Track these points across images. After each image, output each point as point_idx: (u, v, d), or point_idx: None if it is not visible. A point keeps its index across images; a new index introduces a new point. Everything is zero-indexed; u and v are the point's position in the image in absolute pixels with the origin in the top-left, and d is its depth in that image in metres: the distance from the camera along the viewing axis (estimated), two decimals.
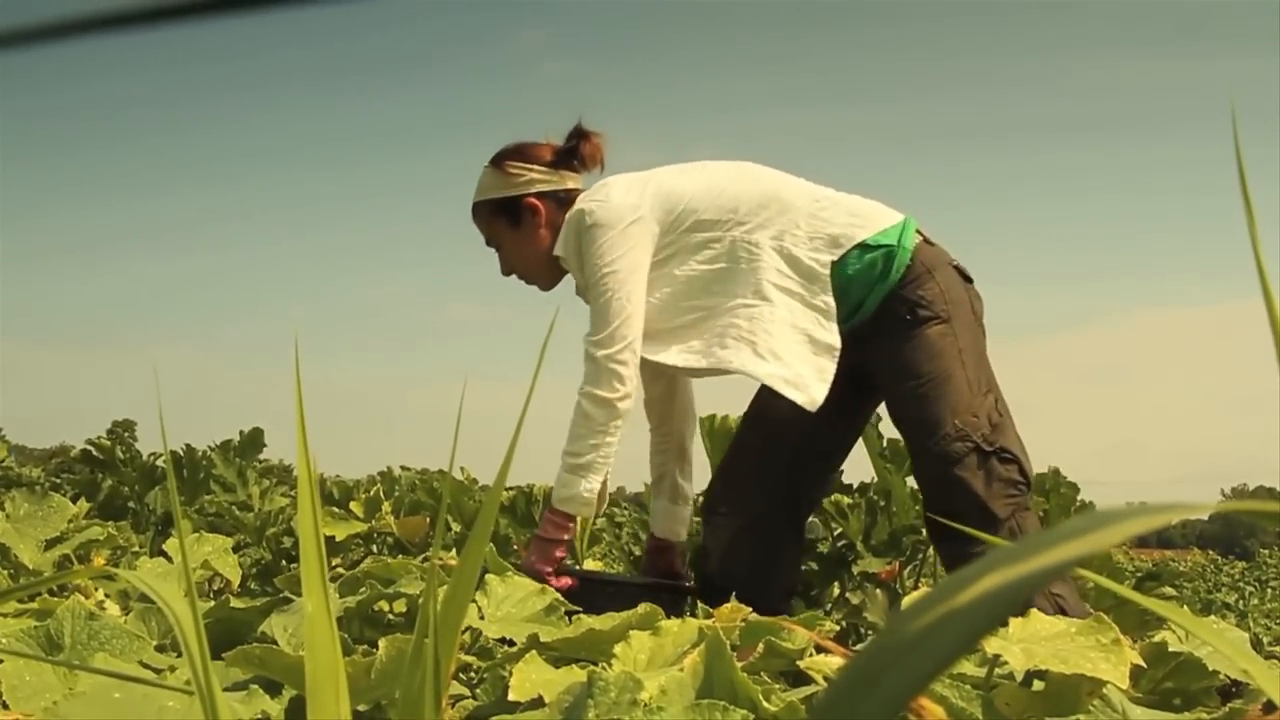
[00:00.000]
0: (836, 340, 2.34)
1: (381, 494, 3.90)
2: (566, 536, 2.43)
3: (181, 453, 4.89)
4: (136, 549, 3.49)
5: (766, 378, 2.32)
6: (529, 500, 3.59)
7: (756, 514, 2.52)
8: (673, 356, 2.37)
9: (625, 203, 2.37)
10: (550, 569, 2.40)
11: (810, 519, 2.97)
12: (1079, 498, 3.83)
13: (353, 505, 3.90)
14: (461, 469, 4.75)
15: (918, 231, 2.42)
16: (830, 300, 2.34)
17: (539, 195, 2.50)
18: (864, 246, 2.36)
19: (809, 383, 2.31)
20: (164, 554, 2.43)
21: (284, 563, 3.88)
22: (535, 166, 2.50)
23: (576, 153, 2.53)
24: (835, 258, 2.35)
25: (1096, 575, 0.69)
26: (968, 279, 2.44)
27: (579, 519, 2.48)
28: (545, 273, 2.58)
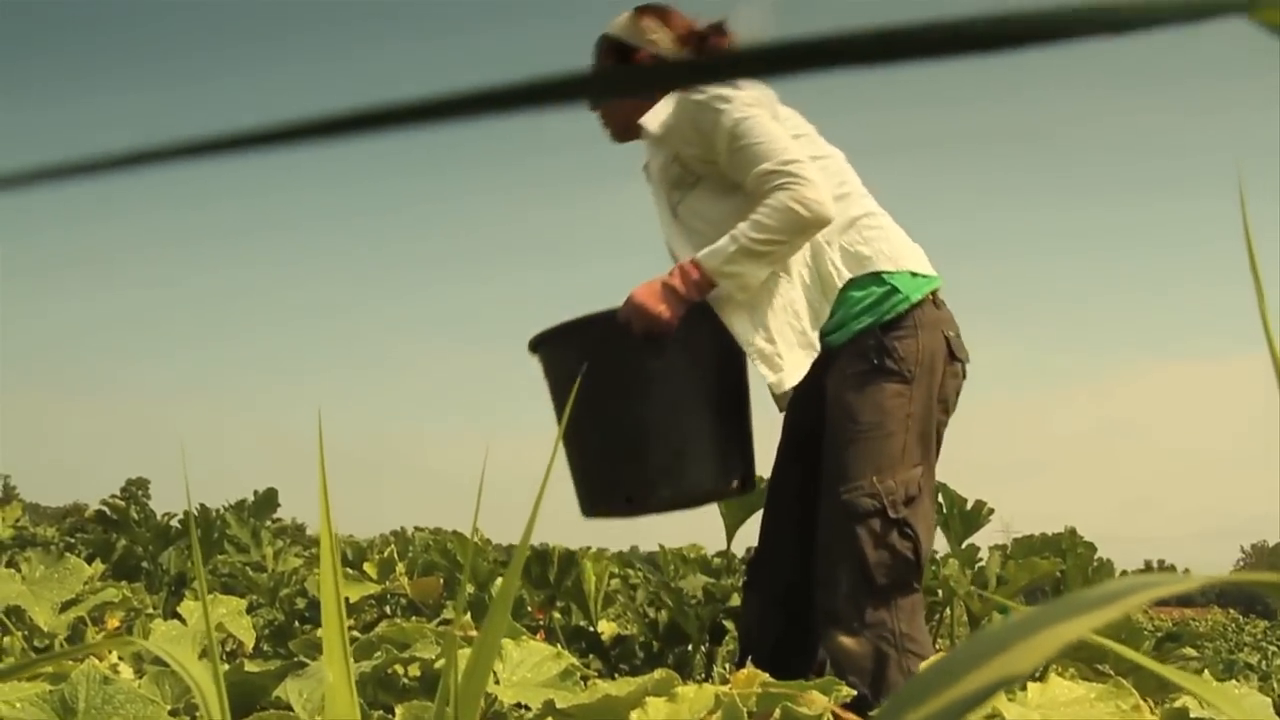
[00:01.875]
0: (818, 346, 2.33)
1: (396, 555, 3.90)
2: (695, 298, 2.30)
3: (196, 512, 4.89)
4: (150, 610, 3.49)
5: (747, 345, 2.30)
6: (544, 562, 3.58)
7: (783, 586, 2.49)
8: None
9: (748, 88, 2.35)
10: (666, 312, 2.28)
11: None
12: (1096, 556, 3.81)
13: (366, 566, 3.90)
14: (476, 530, 4.73)
15: (934, 293, 2.39)
16: (828, 311, 2.33)
17: (654, 57, 2.48)
18: (877, 277, 2.34)
19: (784, 367, 2.30)
20: (178, 616, 2.43)
21: (297, 624, 3.87)
22: (666, 32, 2.51)
23: (707, 42, 2.53)
24: (852, 275, 2.33)
25: (1115, 643, 0.69)
26: (956, 357, 2.37)
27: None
28: (621, 127, 2.58)
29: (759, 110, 2.31)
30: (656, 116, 2.42)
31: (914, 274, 2.36)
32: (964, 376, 2.42)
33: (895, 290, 2.32)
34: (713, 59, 0.20)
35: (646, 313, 2.28)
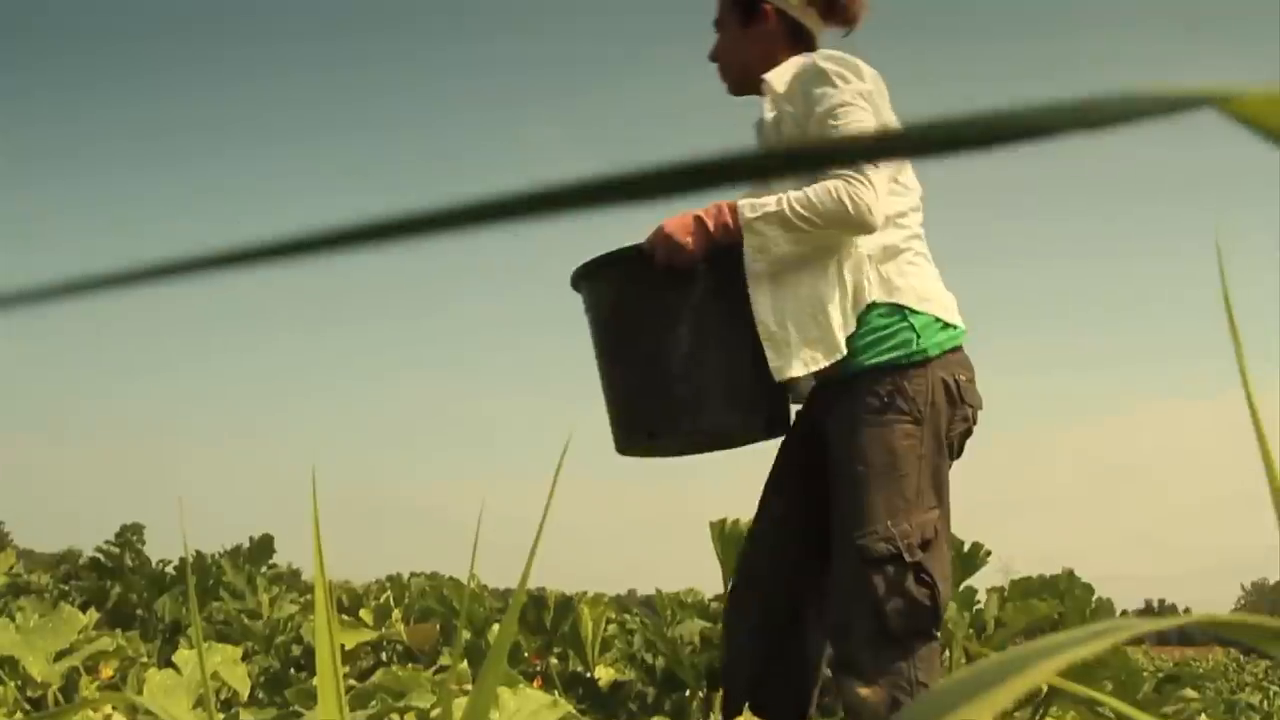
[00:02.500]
0: (842, 349, 2.27)
1: (392, 601, 3.88)
2: (722, 240, 2.26)
3: (191, 559, 4.87)
4: (145, 659, 3.47)
5: (758, 324, 2.27)
6: (541, 608, 3.57)
7: (764, 614, 2.44)
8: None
9: (870, 78, 2.31)
10: (690, 244, 2.25)
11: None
12: (1095, 597, 3.80)
13: (362, 612, 3.88)
14: (473, 575, 4.71)
15: (954, 344, 2.34)
16: (854, 324, 2.29)
17: (778, 11, 2.47)
18: (900, 310, 2.29)
19: (789, 356, 2.26)
20: (172, 664, 2.42)
21: (293, 671, 3.84)
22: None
23: (837, 0, 2.48)
24: (878, 300, 2.30)
25: (1115, 684, 0.70)
26: (965, 401, 2.32)
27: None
28: (740, 80, 2.54)
29: (866, 106, 2.27)
30: (782, 75, 2.39)
31: (938, 320, 2.31)
32: (973, 423, 2.37)
33: (913, 332, 2.28)
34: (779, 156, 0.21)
35: (671, 242, 2.25)
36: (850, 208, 2.18)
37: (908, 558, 2.19)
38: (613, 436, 2.46)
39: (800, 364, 2.27)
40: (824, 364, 2.27)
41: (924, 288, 2.33)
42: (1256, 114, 0.25)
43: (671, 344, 2.31)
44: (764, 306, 2.29)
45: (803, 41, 2.48)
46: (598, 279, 2.42)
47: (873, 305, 2.29)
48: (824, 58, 2.33)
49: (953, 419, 2.30)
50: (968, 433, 2.36)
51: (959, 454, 2.37)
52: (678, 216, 2.32)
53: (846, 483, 2.27)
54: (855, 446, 2.26)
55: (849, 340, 2.29)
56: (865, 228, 2.21)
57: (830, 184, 2.20)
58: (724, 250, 2.27)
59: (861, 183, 2.18)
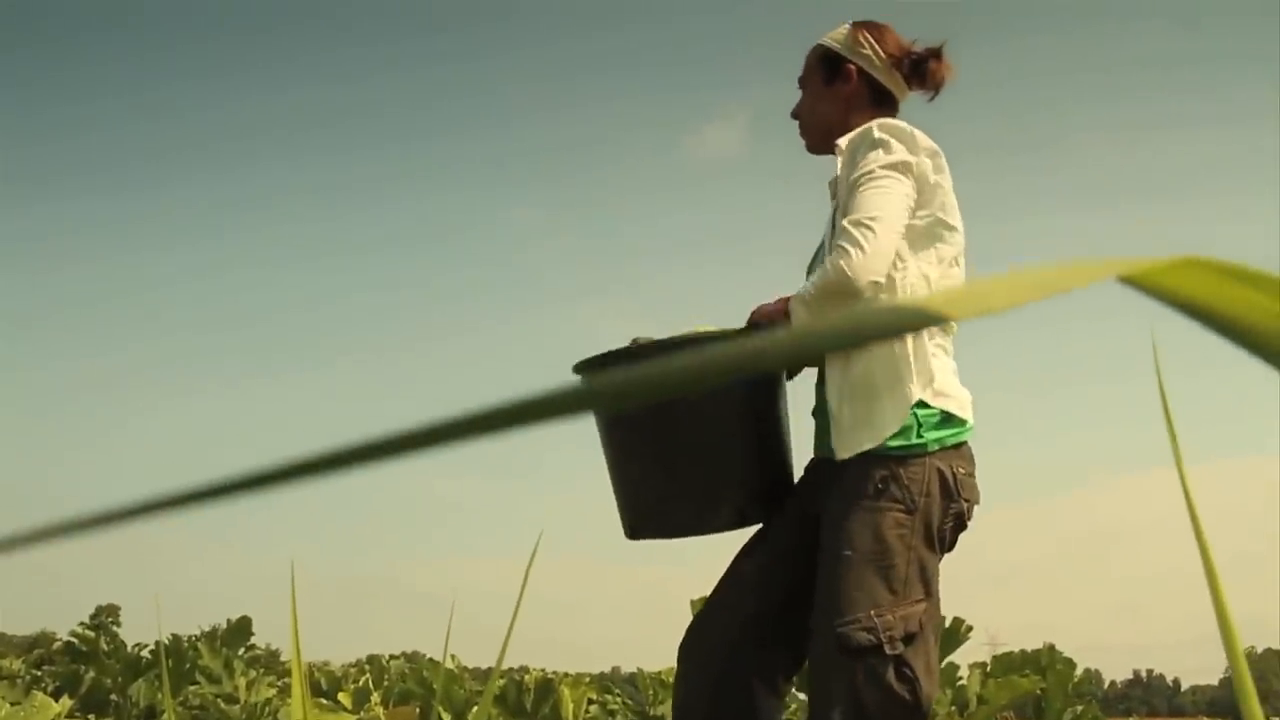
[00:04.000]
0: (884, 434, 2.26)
1: (370, 683, 3.84)
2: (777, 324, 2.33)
3: (167, 642, 4.81)
4: None
5: (827, 403, 2.32)
6: (520, 689, 3.54)
7: (720, 667, 2.34)
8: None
9: (925, 151, 2.32)
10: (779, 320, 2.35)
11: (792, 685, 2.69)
12: (1080, 670, 3.80)
13: (341, 696, 3.84)
14: (452, 656, 4.68)
15: (956, 440, 2.30)
16: (902, 413, 2.27)
17: (861, 71, 2.49)
18: (914, 403, 2.26)
19: (845, 436, 2.28)
20: None
21: None
22: (879, 49, 2.48)
23: (922, 65, 2.49)
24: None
25: None
26: (961, 495, 2.26)
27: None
28: (819, 139, 2.55)
29: (900, 177, 2.28)
30: (850, 137, 2.40)
31: (944, 413, 2.28)
32: (968, 517, 2.31)
33: (915, 422, 2.25)
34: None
35: (771, 323, 2.34)
36: (839, 276, 2.18)
37: (889, 650, 2.12)
38: (627, 523, 2.46)
39: (852, 445, 2.26)
40: (867, 446, 2.24)
41: (942, 381, 2.29)
42: (1159, 285, 0.28)
43: (690, 432, 2.34)
44: (832, 388, 2.32)
45: (885, 105, 2.50)
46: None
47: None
48: (880, 125, 2.34)
49: (946, 511, 2.25)
50: (960, 526, 2.31)
51: (950, 547, 2.31)
52: (768, 305, 2.39)
53: (831, 566, 2.22)
54: (844, 531, 2.21)
55: (859, 403, 2.28)
56: (853, 291, 2.19)
57: (830, 256, 2.23)
58: None
59: (858, 245, 2.19)
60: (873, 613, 2.14)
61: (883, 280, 2.21)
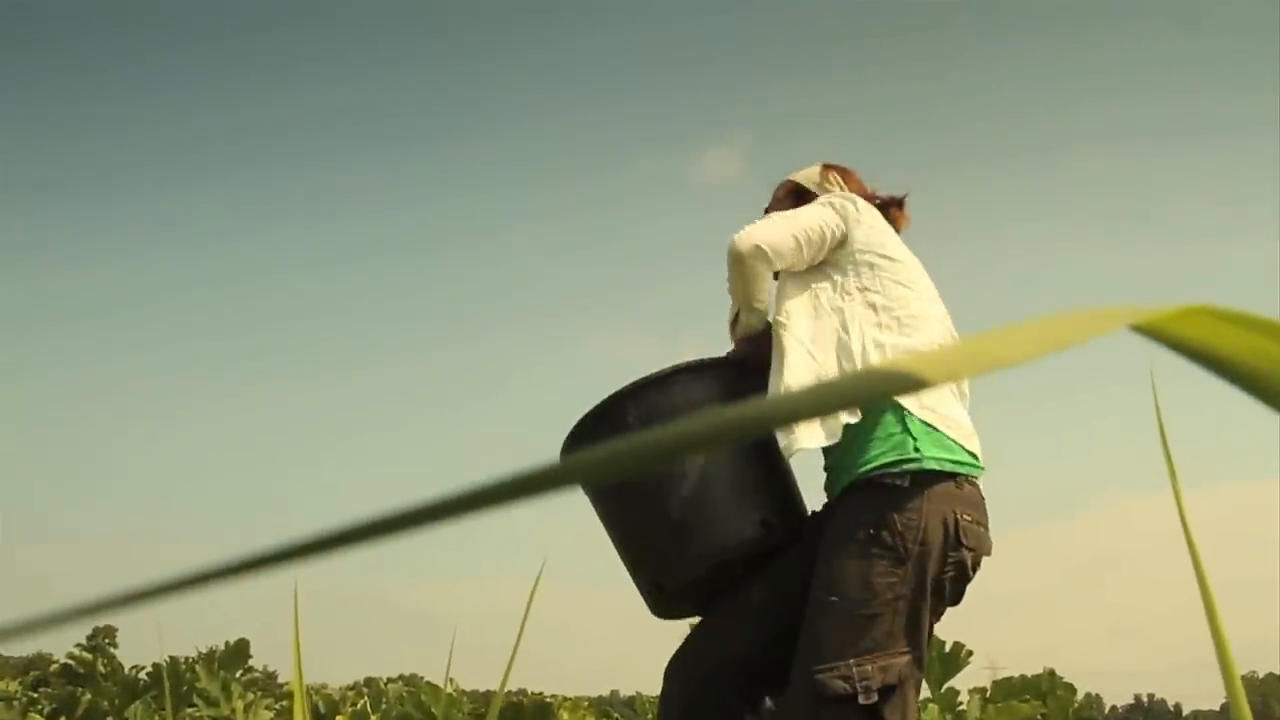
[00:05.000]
0: (837, 432, 2.23)
1: (369, 707, 3.82)
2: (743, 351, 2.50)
3: (165, 664, 4.79)
4: None
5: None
6: (519, 713, 3.52)
7: (703, 693, 2.30)
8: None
9: (864, 210, 2.46)
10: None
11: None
12: (1081, 695, 3.78)
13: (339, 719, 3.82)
14: (450, 680, 4.66)
15: (957, 469, 2.21)
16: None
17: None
18: (898, 410, 2.22)
19: (795, 430, 2.27)
20: None
21: None
22: (846, 191, 2.60)
23: (885, 211, 2.59)
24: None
25: None
26: (963, 544, 2.17)
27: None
28: None
29: (818, 208, 2.44)
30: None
31: (939, 432, 2.21)
32: (973, 568, 2.21)
33: (909, 436, 2.19)
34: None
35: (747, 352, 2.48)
36: (727, 251, 2.39)
37: (863, 700, 2.06)
38: (650, 598, 2.41)
39: (806, 439, 2.23)
40: (824, 437, 2.23)
41: (933, 399, 2.24)
42: (1168, 333, 0.28)
43: (679, 472, 2.28)
44: (775, 386, 2.33)
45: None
46: (612, 423, 2.35)
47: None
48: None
49: (945, 561, 2.15)
50: (963, 577, 2.19)
51: (955, 599, 2.22)
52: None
53: (816, 610, 2.17)
54: (831, 575, 2.16)
55: (840, 455, 2.26)
56: (734, 258, 2.38)
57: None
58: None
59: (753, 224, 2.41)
60: (852, 662, 2.08)
61: (766, 248, 2.34)
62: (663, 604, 2.41)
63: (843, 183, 2.64)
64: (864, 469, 2.20)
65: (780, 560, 2.37)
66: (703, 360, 2.40)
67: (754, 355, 2.46)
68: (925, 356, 0.24)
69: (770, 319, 2.46)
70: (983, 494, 2.26)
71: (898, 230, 2.59)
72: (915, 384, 0.22)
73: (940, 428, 2.21)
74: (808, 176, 2.69)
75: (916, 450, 2.17)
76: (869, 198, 2.60)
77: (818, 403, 0.23)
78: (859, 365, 2.28)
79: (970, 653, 3.66)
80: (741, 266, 2.39)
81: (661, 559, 2.31)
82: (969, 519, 2.17)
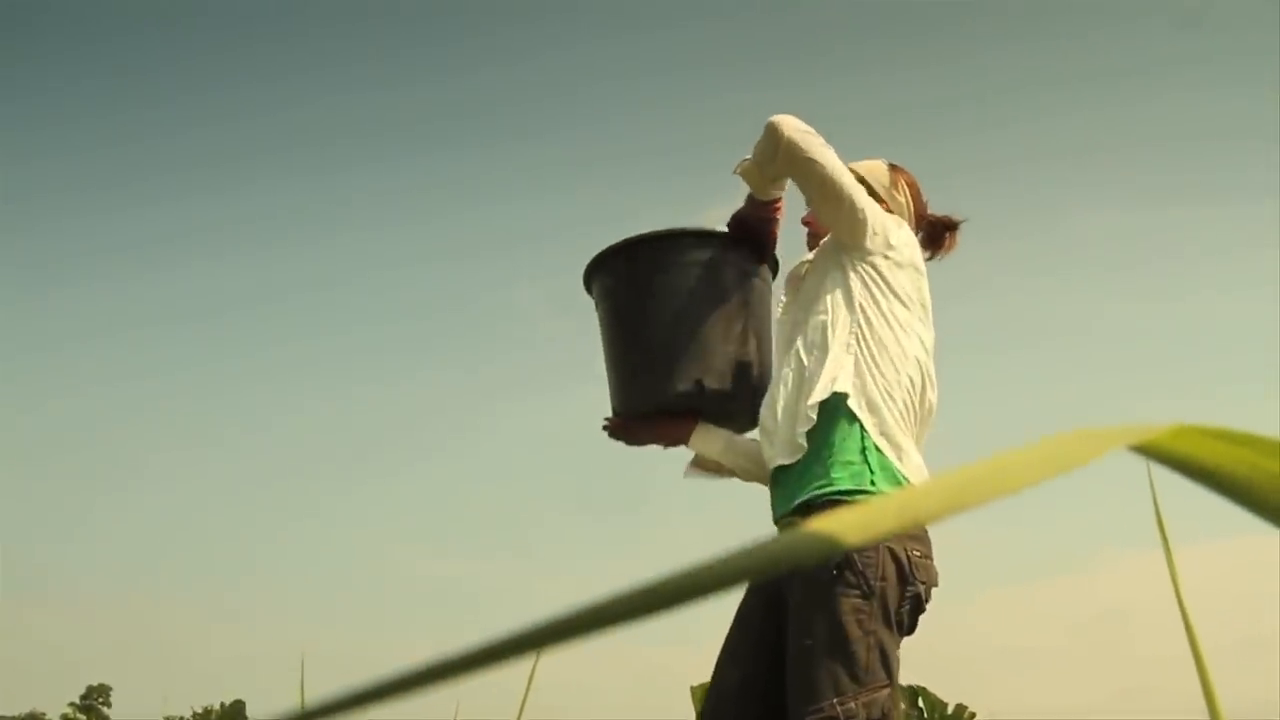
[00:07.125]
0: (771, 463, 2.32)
1: None
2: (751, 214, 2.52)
3: None
4: None
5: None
6: None
7: None
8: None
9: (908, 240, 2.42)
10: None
11: None
12: None
13: None
14: None
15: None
16: (792, 431, 2.30)
17: (888, 210, 2.51)
18: (863, 434, 2.24)
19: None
20: None
21: None
22: (914, 204, 2.55)
23: (939, 234, 2.58)
24: (827, 398, 2.27)
25: None
26: (916, 577, 2.22)
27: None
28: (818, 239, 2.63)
29: (900, 232, 2.39)
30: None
31: (888, 463, 2.24)
32: (926, 599, 2.27)
33: (868, 470, 2.22)
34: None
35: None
36: (764, 129, 2.32)
37: None
38: (628, 395, 2.58)
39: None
40: (814, 490, 2.24)
41: (891, 425, 2.26)
42: (1163, 450, 0.29)
43: (706, 311, 2.50)
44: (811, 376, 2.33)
45: None
46: (627, 258, 2.59)
47: (839, 401, 2.25)
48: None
49: (903, 595, 2.20)
50: (918, 609, 2.26)
51: (910, 631, 2.27)
52: (742, 210, 2.54)
53: (795, 657, 2.20)
54: (803, 620, 2.20)
55: (800, 473, 2.27)
56: (776, 133, 2.28)
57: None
58: (752, 238, 2.55)
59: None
60: (835, 701, 2.11)
61: (813, 134, 2.28)
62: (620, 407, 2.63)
63: (913, 197, 2.55)
64: (821, 489, 2.23)
65: (739, 634, 2.37)
66: (703, 229, 2.57)
67: (738, 230, 2.53)
68: (925, 488, 0.24)
69: (796, 267, 2.51)
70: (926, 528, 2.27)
71: (947, 253, 2.58)
72: (912, 519, 0.23)
73: (892, 460, 2.24)
74: (874, 172, 2.55)
75: (872, 484, 2.20)
76: (920, 216, 2.55)
77: (805, 549, 0.24)
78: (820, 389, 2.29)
79: (973, 714, 3.63)
80: (776, 141, 2.30)
81: (622, 388, 2.57)
82: (918, 554, 2.22)
